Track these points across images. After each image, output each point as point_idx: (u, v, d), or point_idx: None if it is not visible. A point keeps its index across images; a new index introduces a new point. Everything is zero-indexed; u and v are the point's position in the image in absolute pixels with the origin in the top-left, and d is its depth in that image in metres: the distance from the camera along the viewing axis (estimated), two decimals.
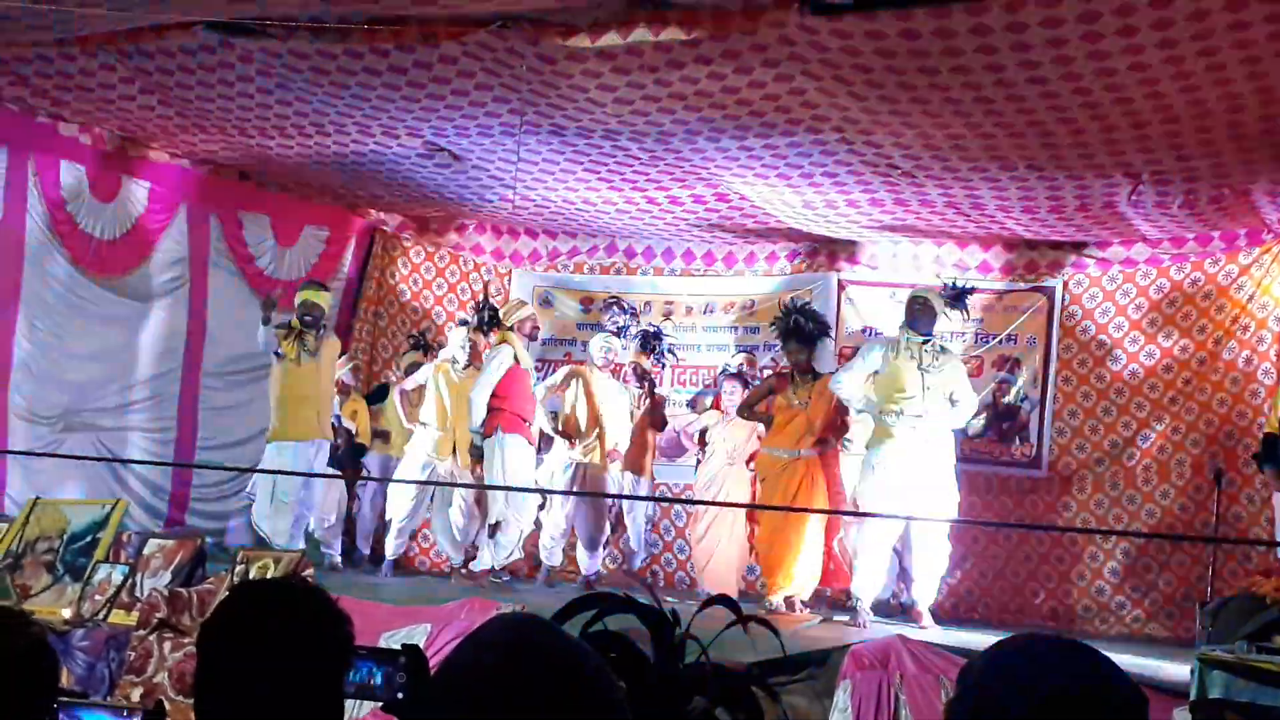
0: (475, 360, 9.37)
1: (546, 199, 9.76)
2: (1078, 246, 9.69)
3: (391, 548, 9.48)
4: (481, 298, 9.26)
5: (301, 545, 8.61)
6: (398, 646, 7.12)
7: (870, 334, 10.20)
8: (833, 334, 9.63)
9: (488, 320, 8.93)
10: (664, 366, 10.30)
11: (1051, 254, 9.79)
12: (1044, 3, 5.45)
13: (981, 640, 7.25)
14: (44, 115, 8.63)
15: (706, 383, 10.60)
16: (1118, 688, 1.67)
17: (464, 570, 9.18)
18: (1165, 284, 9.45)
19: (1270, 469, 7.21)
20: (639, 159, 8.38)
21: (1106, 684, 1.67)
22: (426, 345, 10.49)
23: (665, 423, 9.88)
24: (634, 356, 9.93)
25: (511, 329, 8.95)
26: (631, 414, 9.64)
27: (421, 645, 6.69)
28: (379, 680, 2.59)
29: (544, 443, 9.50)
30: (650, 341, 10.08)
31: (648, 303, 10.77)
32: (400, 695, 2.43)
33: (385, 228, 11.48)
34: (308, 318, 9.04)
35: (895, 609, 8.65)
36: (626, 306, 10.23)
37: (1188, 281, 9.36)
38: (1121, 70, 6.05)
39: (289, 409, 8.94)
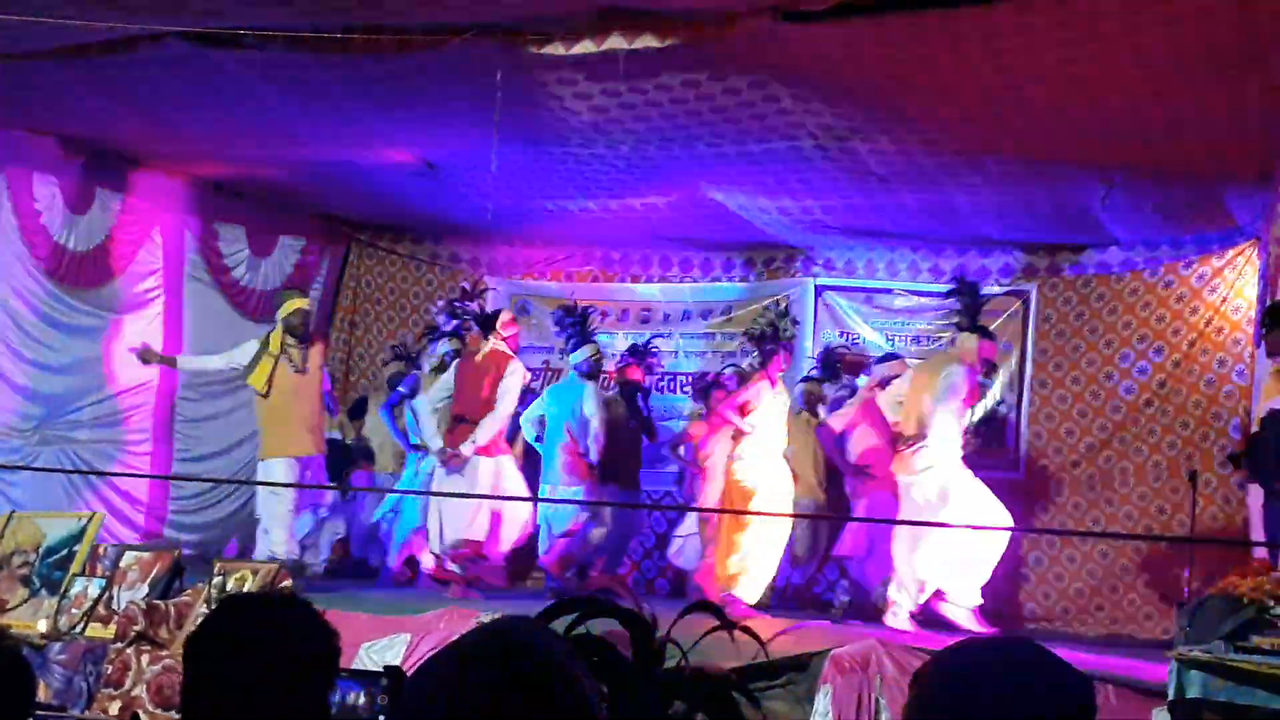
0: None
1: (523, 207, 9.75)
2: (1052, 250, 9.74)
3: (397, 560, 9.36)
4: (469, 290, 9.06)
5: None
6: (377, 657, 7.08)
7: (847, 338, 10.24)
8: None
9: (483, 324, 8.75)
10: (652, 375, 10.23)
11: (1026, 258, 9.84)
12: (1017, 9, 5.49)
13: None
14: (17, 128, 8.58)
15: (685, 389, 10.62)
16: (1065, 678, 1.71)
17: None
18: (1139, 286, 9.50)
19: (1247, 464, 7.26)
20: (615, 166, 8.39)
21: (1054, 675, 1.71)
22: (409, 355, 10.45)
23: (657, 433, 9.86)
24: (624, 372, 9.82)
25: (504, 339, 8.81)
26: (619, 425, 9.61)
27: (401, 654, 6.68)
28: (361, 700, 2.60)
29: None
30: (640, 354, 9.98)
31: (625, 310, 10.77)
32: (381, 715, 2.43)
33: (361, 237, 11.46)
34: (301, 327, 8.62)
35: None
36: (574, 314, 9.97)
37: (1161, 284, 9.42)
38: (1094, 74, 6.09)
39: (286, 424, 8.55)
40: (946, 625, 7.75)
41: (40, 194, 8.86)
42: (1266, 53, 5.74)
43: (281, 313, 8.61)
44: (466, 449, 8.43)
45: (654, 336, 10.33)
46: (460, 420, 8.56)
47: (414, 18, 6.29)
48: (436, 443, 8.62)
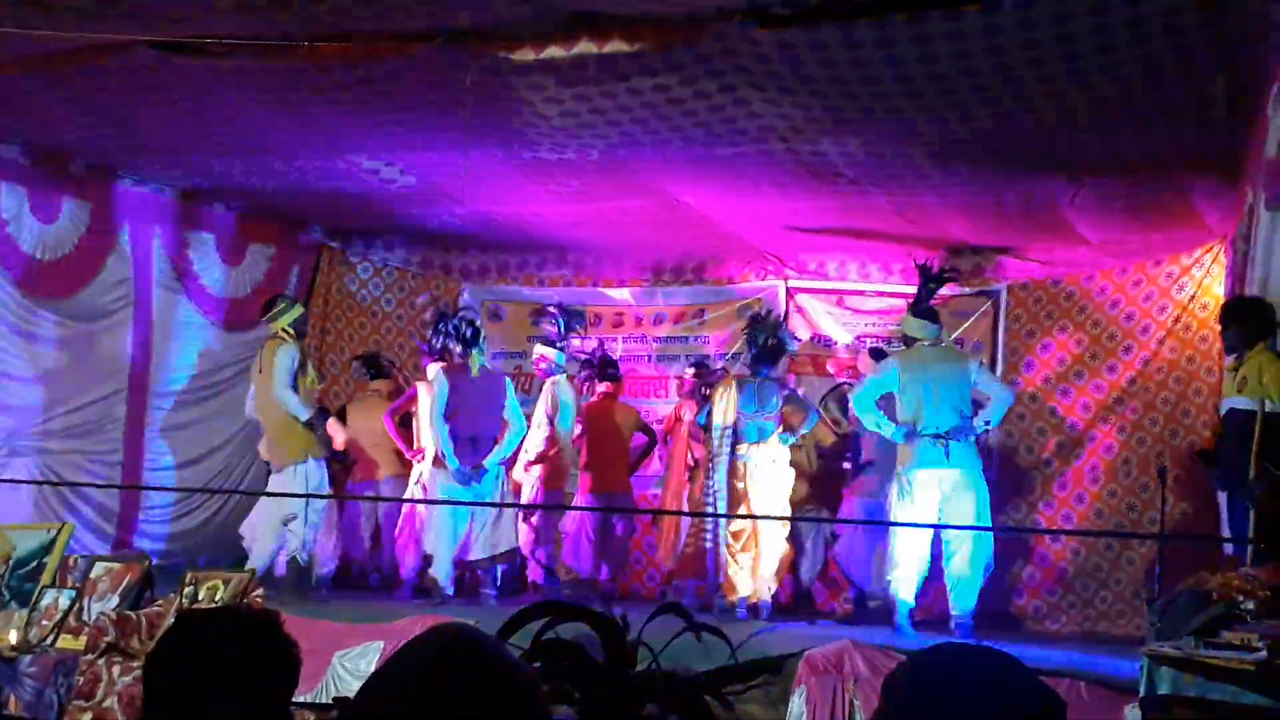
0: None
1: (494, 212, 9.74)
2: (1021, 250, 9.79)
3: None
4: (451, 314, 9.11)
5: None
6: (351, 665, 7.03)
7: (818, 340, 10.28)
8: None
9: (471, 338, 8.80)
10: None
11: (996, 258, 9.88)
12: (983, 12, 5.52)
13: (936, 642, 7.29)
14: None
15: (659, 393, 10.67)
16: (1035, 693, 1.72)
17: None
18: (1108, 286, 9.56)
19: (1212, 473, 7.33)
20: (586, 170, 8.39)
21: (1025, 689, 1.72)
22: (383, 368, 10.45)
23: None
24: (603, 385, 9.82)
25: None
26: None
27: (374, 663, 6.66)
28: None
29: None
30: (605, 366, 9.94)
31: (598, 315, 10.76)
32: None
33: (332, 244, 11.42)
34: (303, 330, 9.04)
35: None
36: (557, 313, 9.98)
37: (1130, 283, 9.48)
38: (1060, 76, 6.13)
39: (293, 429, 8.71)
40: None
41: (7, 204, 8.79)
42: (1233, 53, 5.80)
43: (290, 318, 8.74)
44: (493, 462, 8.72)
45: (608, 340, 10.26)
46: (472, 438, 8.64)
47: (383, 24, 6.28)
48: (455, 461, 8.61)
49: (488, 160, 8.26)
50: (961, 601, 7.92)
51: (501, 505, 8.77)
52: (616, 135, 7.53)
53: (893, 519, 8.05)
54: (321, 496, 8.91)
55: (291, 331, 8.73)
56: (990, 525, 8.15)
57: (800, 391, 9.43)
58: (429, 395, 9.00)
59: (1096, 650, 7.36)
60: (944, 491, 7.85)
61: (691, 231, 9.92)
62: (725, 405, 8.61)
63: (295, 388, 8.56)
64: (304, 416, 8.56)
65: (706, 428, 8.73)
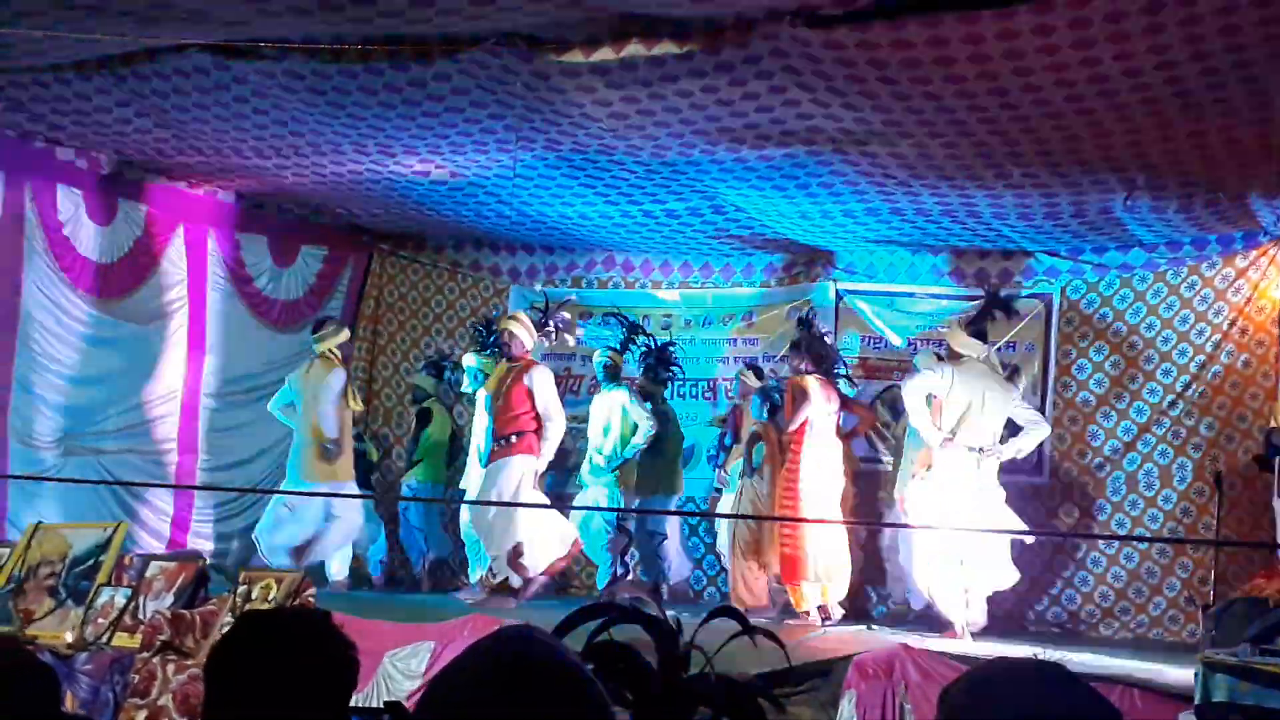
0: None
1: (543, 214, 9.78)
2: (1075, 252, 9.70)
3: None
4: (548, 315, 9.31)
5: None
6: (401, 665, 7.06)
7: (869, 341, 10.22)
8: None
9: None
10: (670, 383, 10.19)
11: (1048, 261, 9.80)
12: (1035, 10, 5.47)
13: (987, 649, 7.26)
14: (40, 140, 8.65)
15: (707, 395, 10.66)
16: (1094, 708, 1.71)
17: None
18: (1163, 288, 9.46)
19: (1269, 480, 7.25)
20: (635, 173, 8.40)
21: (1083, 707, 1.71)
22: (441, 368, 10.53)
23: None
24: (643, 381, 9.85)
25: None
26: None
27: (425, 663, 6.69)
28: None
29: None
30: (662, 365, 9.94)
31: (646, 316, 10.76)
32: None
33: (383, 246, 11.50)
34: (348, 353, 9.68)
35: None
36: (624, 321, 10.07)
37: (1185, 285, 9.37)
38: (1115, 76, 6.07)
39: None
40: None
41: (64, 206, 8.93)
42: None
43: (336, 341, 9.28)
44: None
45: (665, 344, 10.20)
46: None
47: (434, 27, 6.31)
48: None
49: (536, 162, 8.30)
50: (977, 605, 7.88)
51: (510, 504, 8.74)
52: (665, 137, 7.53)
53: (911, 518, 8.07)
54: (370, 497, 9.05)
55: (338, 354, 9.19)
56: (1013, 528, 8.09)
57: (853, 393, 9.49)
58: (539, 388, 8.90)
59: (1150, 657, 7.28)
60: (968, 493, 7.87)
61: (740, 233, 9.91)
62: (805, 406, 8.52)
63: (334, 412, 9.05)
64: (331, 435, 8.99)
65: (795, 433, 8.61)
